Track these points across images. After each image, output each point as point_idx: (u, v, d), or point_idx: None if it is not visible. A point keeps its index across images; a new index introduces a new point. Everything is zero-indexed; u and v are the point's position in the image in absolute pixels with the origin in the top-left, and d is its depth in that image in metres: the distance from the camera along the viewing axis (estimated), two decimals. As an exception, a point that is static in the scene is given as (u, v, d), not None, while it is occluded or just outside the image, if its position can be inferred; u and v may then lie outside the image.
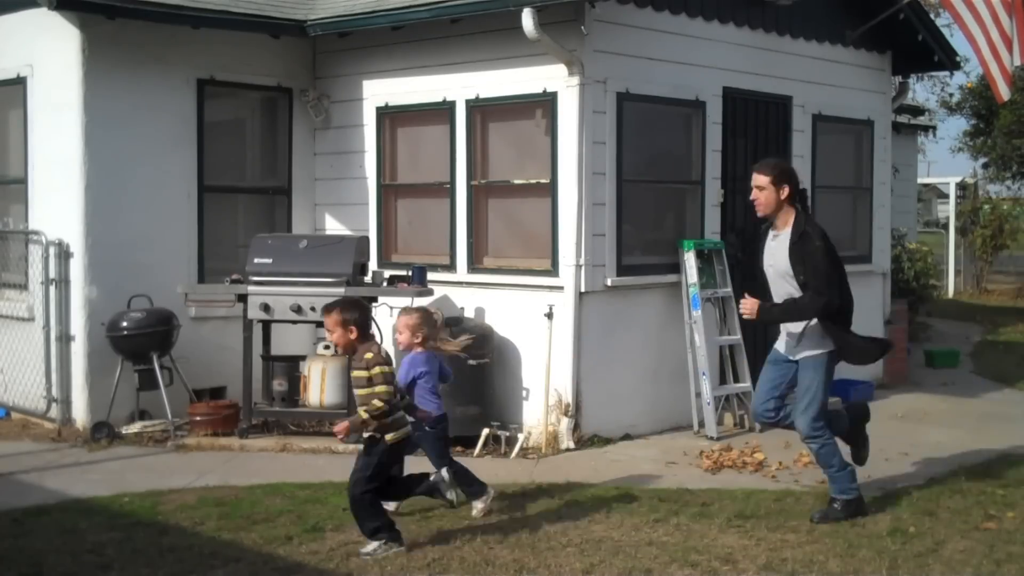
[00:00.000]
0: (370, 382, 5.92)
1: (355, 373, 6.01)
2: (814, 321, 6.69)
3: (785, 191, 6.74)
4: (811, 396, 6.75)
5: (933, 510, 6.92)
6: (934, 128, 22.56)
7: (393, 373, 6.07)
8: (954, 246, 23.97)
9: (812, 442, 6.80)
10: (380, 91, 10.07)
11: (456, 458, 8.52)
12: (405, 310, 7.01)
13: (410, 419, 6.35)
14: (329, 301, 6.33)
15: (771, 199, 6.77)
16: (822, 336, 6.73)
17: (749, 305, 6.80)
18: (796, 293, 6.73)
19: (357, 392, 6.00)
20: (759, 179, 6.80)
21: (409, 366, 6.71)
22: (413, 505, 6.91)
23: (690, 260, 9.38)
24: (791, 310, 6.73)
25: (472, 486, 6.81)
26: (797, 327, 6.78)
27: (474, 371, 8.81)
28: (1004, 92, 10.44)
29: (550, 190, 8.93)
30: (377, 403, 5.85)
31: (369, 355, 5.94)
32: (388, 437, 6.00)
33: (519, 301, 9.08)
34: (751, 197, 6.90)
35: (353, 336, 5.98)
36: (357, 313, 6.05)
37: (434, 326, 6.86)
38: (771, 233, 6.88)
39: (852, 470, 6.93)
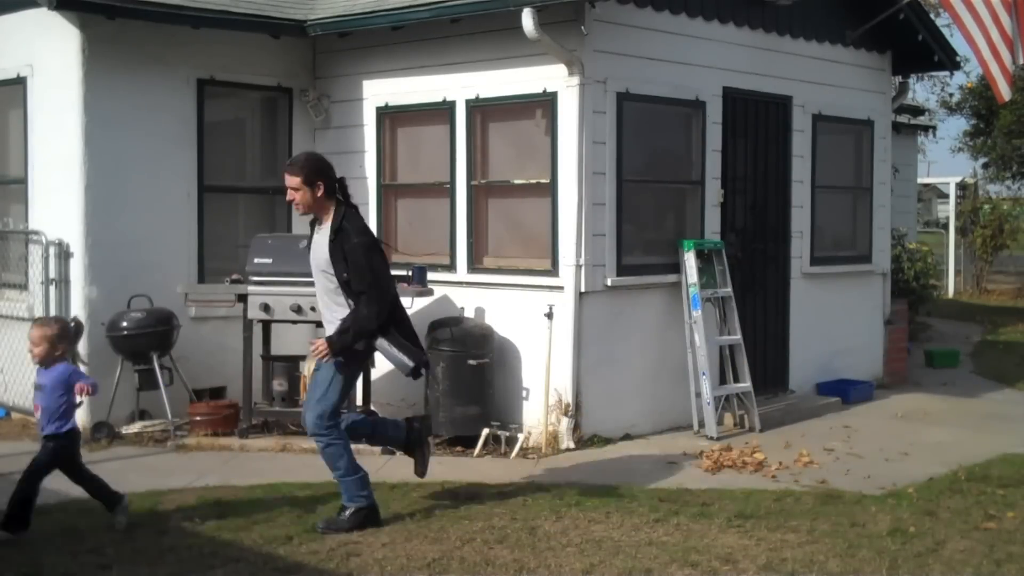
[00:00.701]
0: None
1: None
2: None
3: (320, 188, 6.63)
4: (323, 391, 6.57)
5: (933, 510, 6.92)
6: (934, 128, 22.54)
7: None
8: (954, 246, 23.98)
9: (318, 440, 6.57)
10: (380, 91, 10.07)
11: (455, 457, 8.54)
12: (40, 321, 6.70)
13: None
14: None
15: (307, 198, 6.66)
16: (355, 336, 6.55)
17: (320, 345, 6.54)
18: (332, 287, 6.59)
19: None
20: (290, 180, 6.68)
21: (60, 379, 6.34)
22: (415, 506, 6.92)
23: (690, 260, 9.37)
24: (355, 329, 6.50)
25: (110, 500, 6.49)
26: (334, 323, 6.61)
27: (474, 371, 8.82)
28: (1004, 92, 10.43)
29: (550, 190, 8.93)
30: None
31: None
32: None
33: (519, 301, 9.08)
34: (287, 198, 6.77)
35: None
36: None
37: (74, 338, 6.55)
38: (316, 226, 6.78)
39: (363, 476, 6.60)
